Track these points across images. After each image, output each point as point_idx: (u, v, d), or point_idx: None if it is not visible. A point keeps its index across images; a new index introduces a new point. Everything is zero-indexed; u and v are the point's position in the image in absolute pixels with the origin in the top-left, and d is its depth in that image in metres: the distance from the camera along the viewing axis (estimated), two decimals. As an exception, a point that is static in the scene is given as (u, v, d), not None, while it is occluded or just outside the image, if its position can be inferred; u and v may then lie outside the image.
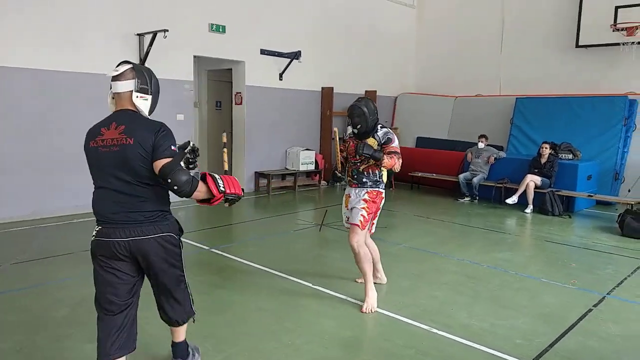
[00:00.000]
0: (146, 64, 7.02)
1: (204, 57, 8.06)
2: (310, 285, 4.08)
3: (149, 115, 2.33)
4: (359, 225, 3.59)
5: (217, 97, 9.77)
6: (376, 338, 3.17)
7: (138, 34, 6.95)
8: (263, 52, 8.64)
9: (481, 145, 8.49)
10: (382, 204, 3.75)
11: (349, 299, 3.77)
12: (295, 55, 8.85)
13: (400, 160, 3.53)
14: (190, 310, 2.56)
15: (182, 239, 2.50)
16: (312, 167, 9.17)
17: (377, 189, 3.66)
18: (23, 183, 6.09)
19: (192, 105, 8.01)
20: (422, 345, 3.07)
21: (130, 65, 2.28)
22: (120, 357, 2.30)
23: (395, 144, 3.56)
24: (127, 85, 2.24)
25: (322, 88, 9.67)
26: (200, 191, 2.29)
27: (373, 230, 3.93)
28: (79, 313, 3.42)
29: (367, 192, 3.63)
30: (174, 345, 2.64)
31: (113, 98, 2.31)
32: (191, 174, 2.24)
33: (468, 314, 3.58)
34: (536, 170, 7.67)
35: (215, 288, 4.00)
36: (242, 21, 8.25)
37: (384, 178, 3.71)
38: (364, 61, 10.50)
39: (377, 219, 3.87)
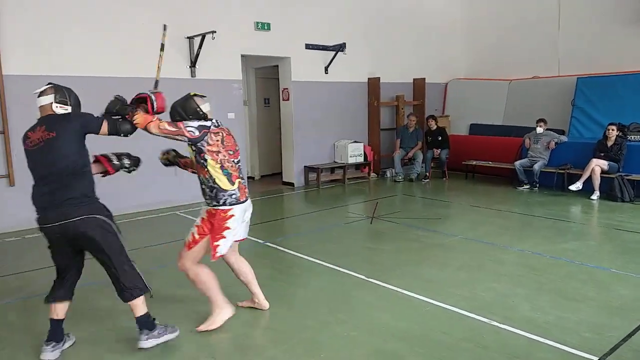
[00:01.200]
0: (197, 66, 7.27)
1: (251, 55, 8.20)
2: (363, 277, 4.07)
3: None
4: (185, 245, 3.15)
5: (265, 94, 9.93)
6: (433, 331, 3.12)
7: (188, 37, 7.19)
8: (308, 46, 8.68)
9: (540, 129, 8.10)
10: (231, 224, 3.02)
11: (403, 291, 3.74)
12: (340, 48, 8.82)
13: (165, 127, 2.84)
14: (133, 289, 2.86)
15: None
16: (361, 159, 9.13)
17: (217, 206, 3.02)
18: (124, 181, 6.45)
19: (242, 103, 8.19)
20: (482, 339, 3.00)
21: (50, 85, 2.84)
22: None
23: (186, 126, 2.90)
24: (47, 99, 2.78)
25: (369, 79, 9.59)
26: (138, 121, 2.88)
27: (219, 253, 3.06)
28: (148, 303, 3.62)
29: (206, 210, 3.13)
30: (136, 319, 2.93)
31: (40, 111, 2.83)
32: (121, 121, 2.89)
33: (530, 306, 3.45)
34: (602, 154, 7.22)
35: (271, 280, 4.10)
36: (286, 17, 8.32)
37: (227, 186, 2.98)
38: (411, 48, 10.29)
39: (223, 241, 3.04)
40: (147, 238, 5.45)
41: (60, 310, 2.88)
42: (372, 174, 9.49)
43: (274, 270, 4.40)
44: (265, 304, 3.47)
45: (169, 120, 2.99)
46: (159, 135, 2.89)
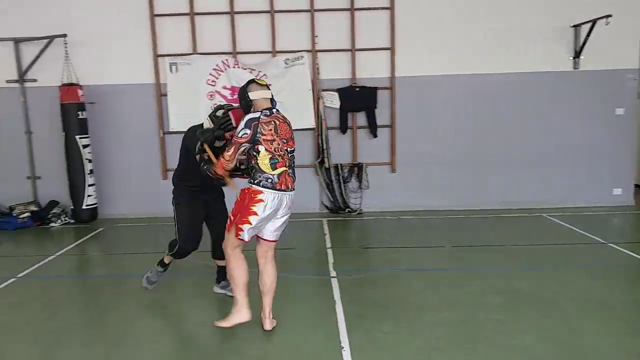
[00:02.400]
0: (581, 57, 6.70)
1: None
2: None
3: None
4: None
5: (669, 86, 8.11)
6: None
7: (574, 26, 6.66)
8: None
9: None
10: (258, 209, 2.99)
11: None
12: None
13: (229, 155, 2.99)
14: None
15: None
16: None
17: (250, 184, 3.04)
18: (461, 177, 6.90)
19: (635, 96, 6.99)
20: None
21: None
22: None
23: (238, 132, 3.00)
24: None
25: None
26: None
27: (241, 237, 3.06)
28: (513, 302, 3.60)
29: (241, 190, 3.10)
30: None
31: None
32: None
33: None
34: None
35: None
36: None
37: (267, 169, 2.99)
38: None
39: (247, 226, 3.02)
40: (503, 237, 5.44)
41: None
42: None
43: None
44: (266, 325, 3.20)
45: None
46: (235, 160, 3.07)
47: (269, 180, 2.99)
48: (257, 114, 2.97)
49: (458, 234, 5.65)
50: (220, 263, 3.68)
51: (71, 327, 3.44)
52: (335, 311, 3.49)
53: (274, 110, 3.06)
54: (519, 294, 3.76)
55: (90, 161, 6.42)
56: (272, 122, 2.99)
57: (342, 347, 2.96)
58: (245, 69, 6.50)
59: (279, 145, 2.99)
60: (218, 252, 3.54)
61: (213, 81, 6.53)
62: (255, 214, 2.98)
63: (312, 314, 3.50)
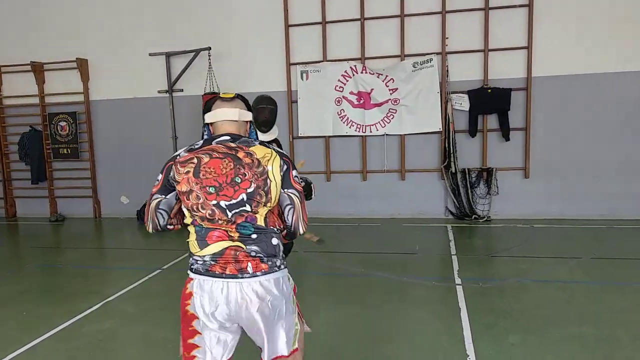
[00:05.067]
0: None
1: None
2: None
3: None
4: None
5: None
6: None
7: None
8: None
9: None
10: (192, 308, 1.95)
11: None
12: None
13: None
14: None
15: None
16: None
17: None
18: (602, 185, 6.64)
19: None
20: None
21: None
22: None
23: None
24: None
25: None
26: None
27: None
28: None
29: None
30: None
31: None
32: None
33: None
34: None
35: None
36: None
37: (193, 248, 1.96)
38: None
39: (191, 341, 1.96)
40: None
41: None
42: None
43: None
44: None
45: None
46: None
47: (199, 262, 1.92)
48: (178, 152, 1.96)
49: (598, 245, 5.45)
50: None
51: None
52: (460, 318, 3.62)
53: (225, 139, 1.91)
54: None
55: (227, 163, 7.29)
56: (194, 160, 1.87)
57: (468, 356, 3.08)
58: (373, 73, 6.89)
59: (198, 199, 1.86)
60: None
61: (341, 87, 7.04)
62: (194, 317, 1.92)
63: (436, 320, 3.66)
